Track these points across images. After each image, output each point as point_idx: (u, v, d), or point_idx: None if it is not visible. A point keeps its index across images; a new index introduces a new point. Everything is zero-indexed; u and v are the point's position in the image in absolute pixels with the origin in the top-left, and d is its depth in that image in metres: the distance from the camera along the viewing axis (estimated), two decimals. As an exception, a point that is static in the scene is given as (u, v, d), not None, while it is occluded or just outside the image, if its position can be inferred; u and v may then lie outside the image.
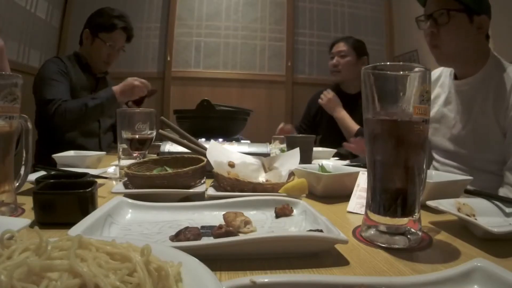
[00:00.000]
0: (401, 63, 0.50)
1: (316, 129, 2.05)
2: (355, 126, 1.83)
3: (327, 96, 1.95)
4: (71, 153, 1.18)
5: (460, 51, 1.13)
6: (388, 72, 0.50)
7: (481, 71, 1.13)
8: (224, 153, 0.91)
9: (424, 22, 1.17)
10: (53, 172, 0.87)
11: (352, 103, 1.87)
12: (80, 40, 1.91)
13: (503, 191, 1.06)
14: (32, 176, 0.76)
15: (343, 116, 1.89)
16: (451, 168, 1.22)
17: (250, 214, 0.59)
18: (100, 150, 1.69)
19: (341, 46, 2.00)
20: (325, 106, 1.95)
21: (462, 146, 1.18)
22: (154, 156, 1.00)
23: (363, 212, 0.55)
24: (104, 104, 1.63)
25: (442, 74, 1.30)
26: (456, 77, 1.22)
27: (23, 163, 0.69)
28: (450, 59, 1.17)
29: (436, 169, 1.27)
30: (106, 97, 1.64)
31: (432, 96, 1.29)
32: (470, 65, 1.15)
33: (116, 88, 1.67)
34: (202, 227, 0.53)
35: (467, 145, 1.16)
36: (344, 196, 0.76)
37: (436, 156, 1.31)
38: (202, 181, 0.80)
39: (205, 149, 0.91)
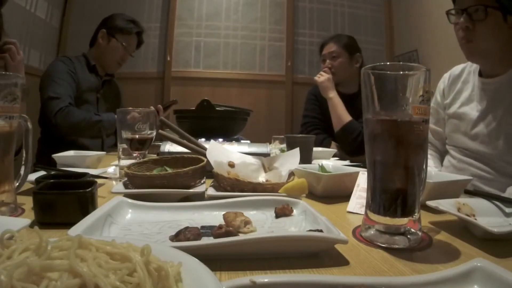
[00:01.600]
0: (401, 63, 0.50)
1: (327, 116, 1.90)
2: (346, 116, 1.76)
3: (326, 75, 1.86)
4: (71, 153, 1.18)
5: (494, 49, 1.11)
6: (388, 72, 0.50)
7: (511, 71, 1.12)
8: (224, 153, 0.91)
9: (456, 17, 1.14)
10: (53, 172, 0.87)
11: (349, 103, 1.81)
12: (91, 41, 1.94)
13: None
14: (32, 176, 0.76)
15: (337, 101, 1.81)
16: (469, 166, 1.20)
17: (250, 214, 0.59)
18: (103, 151, 1.70)
19: (332, 47, 1.92)
20: (321, 85, 1.86)
21: (483, 144, 1.16)
22: (154, 156, 1.00)
23: (363, 212, 0.55)
24: (105, 123, 1.71)
25: (464, 71, 1.28)
26: (480, 75, 1.21)
27: (23, 163, 0.69)
28: (482, 55, 1.15)
29: (453, 165, 1.25)
30: (108, 119, 1.72)
31: (454, 92, 1.28)
32: (499, 64, 1.14)
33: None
34: (202, 227, 0.53)
35: (489, 144, 1.14)
36: (344, 196, 0.76)
37: (453, 153, 1.28)
38: (202, 181, 0.80)
39: (205, 149, 0.91)
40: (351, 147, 1.73)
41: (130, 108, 0.99)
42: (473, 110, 1.19)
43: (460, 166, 1.22)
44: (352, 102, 1.80)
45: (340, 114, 1.79)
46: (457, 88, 1.27)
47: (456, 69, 1.31)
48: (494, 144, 1.12)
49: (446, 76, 1.34)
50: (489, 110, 1.14)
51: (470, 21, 1.09)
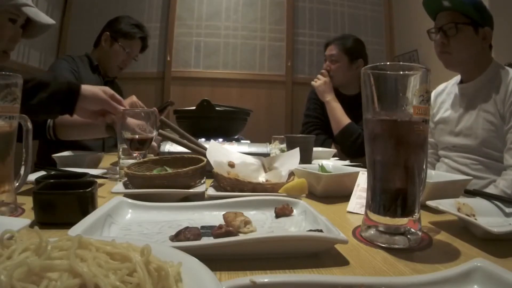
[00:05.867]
0: (401, 63, 0.50)
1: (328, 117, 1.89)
2: (345, 119, 1.76)
3: (323, 78, 1.87)
4: (71, 153, 1.18)
5: (467, 58, 1.31)
6: (388, 72, 0.50)
7: (484, 74, 1.31)
8: (224, 153, 0.91)
9: (435, 34, 1.35)
10: (53, 172, 0.87)
11: (351, 105, 1.80)
12: (95, 42, 1.93)
13: (505, 177, 1.18)
14: (32, 176, 0.76)
15: (334, 104, 1.81)
16: (458, 158, 1.36)
17: (250, 214, 0.59)
18: (103, 151, 1.69)
19: (332, 50, 1.90)
20: (317, 89, 1.86)
21: (466, 137, 1.33)
22: (154, 156, 1.00)
23: (363, 212, 0.55)
24: None
25: (448, 85, 1.48)
26: (461, 82, 1.39)
27: (23, 163, 0.69)
28: (457, 64, 1.35)
29: (446, 164, 1.40)
30: None
31: (439, 103, 1.47)
32: (474, 70, 1.32)
33: None
34: (202, 227, 0.53)
35: (471, 136, 1.31)
36: (344, 196, 0.76)
37: (443, 152, 1.43)
38: (202, 181, 0.80)
39: (205, 149, 0.91)
40: (350, 150, 1.73)
41: (130, 108, 0.99)
42: (455, 112, 1.39)
43: (451, 163, 1.40)
44: (353, 103, 1.79)
45: (339, 117, 1.79)
46: (441, 99, 1.48)
47: (440, 86, 1.53)
48: (475, 134, 1.30)
49: (431, 94, 1.52)
50: (468, 109, 1.34)
51: (445, 37, 1.30)
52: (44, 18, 1.17)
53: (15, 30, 1.14)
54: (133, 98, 1.74)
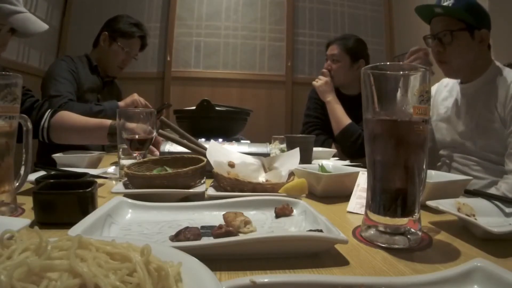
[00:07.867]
0: (401, 63, 0.50)
1: (328, 117, 1.88)
2: (345, 119, 1.77)
3: (324, 78, 1.87)
4: (71, 153, 1.18)
5: (465, 64, 1.28)
6: (388, 72, 0.50)
7: (484, 75, 1.29)
8: (224, 153, 0.91)
9: (431, 40, 1.33)
10: (53, 172, 0.87)
11: (352, 105, 1.79)
12: (94, 42, 1.94)
13: (506, 181, 1.18)
14: (32, 176, 0.76)
15: (335, 104, 1.81)
16: (458, 158, 1.36)
17: (250, 214, 0.59)
18: (103, 151, 1.70)
19: (334, 49, 1.89)
20: (318, 89, 1.86)
21: (467, 138, 1.32)
22: (154, 156, 1.00)
23: (363, 212, 0.55)
24: (107, 111, 1.66)
25: (450, 82, 1.47)
26: (462, 82, 1.39)
27: (23, 163, 0.69)
28: (457, 71, 1.33)
29: (447, 165, 1.41)
30: (110, 107, 1.68)
31: (441, 97, 1.45)
32: (474, 73, 1.31)
33: (121, 102, 1.74)
34: (202, 227, 0.53)
35: (472, 137, 1.31)
36: (344, 196, 0.76)
37: (443, 152, 1.43)
38: (202, 181, 0.80)
39: (205, 149, 0.91)
40: (350, 150, 1.73)
41: (130, 108, 0.99)
42: (456, 112, 1.38)
43: (451, 163, 1.39)
44: (354, 104, 1.77)
45: (339, 117, 1.79)
46: (442, 95, 1.47)
47: (444, 80, 1.50)
48: (476, 136, 1.29)
49: (434, 87, 1.51)
50: (469, 110, 1.32)
51: (441, 45, 1.28)
52: (33, 26, 1.10)
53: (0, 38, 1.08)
54: (134, 96, 1.75)
